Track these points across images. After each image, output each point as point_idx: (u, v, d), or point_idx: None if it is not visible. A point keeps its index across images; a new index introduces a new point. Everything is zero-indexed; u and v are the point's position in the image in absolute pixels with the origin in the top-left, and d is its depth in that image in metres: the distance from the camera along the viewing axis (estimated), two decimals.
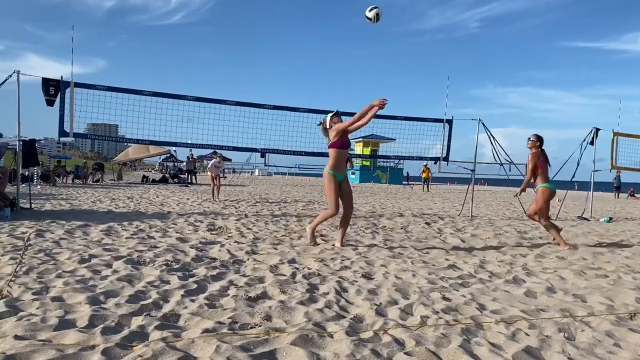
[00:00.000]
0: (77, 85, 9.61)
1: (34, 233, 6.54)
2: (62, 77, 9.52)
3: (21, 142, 9.45)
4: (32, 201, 11.28)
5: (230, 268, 4.91)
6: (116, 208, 10.84)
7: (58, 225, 7.42)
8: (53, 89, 9.44)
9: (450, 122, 12.11)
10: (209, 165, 16.21)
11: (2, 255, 5.00)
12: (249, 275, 4.59)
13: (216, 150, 16.69)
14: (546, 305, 3.93)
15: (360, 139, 47.47)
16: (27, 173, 19.74)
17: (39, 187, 17.32)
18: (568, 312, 3.74)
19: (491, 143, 12.25)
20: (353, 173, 45.00)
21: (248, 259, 5.37)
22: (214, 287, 4.14)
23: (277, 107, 10.97)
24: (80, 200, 12.60)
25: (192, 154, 28.94)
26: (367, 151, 51.65)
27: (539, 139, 7.18)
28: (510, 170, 12.53)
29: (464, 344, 2.98)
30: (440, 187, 40.31)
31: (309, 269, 5.00)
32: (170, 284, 4.18)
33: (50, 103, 9.50)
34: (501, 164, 12.52)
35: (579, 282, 4.85)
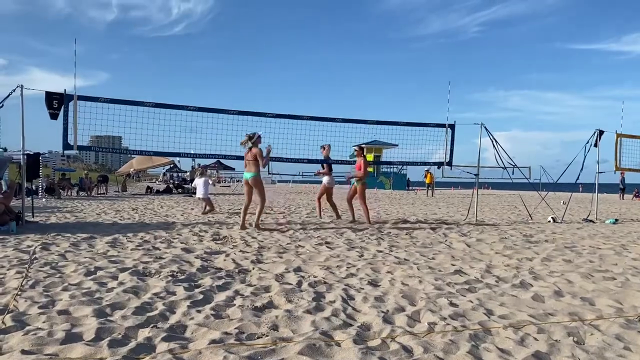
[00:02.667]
0: (80, 98, 9.66)
1: (40, 246, 6.56)
2: (65, 90, 9.56)
3: (25, 156, 9.48)
4: (37, 214, 11.30)
5: (236, 278, 4.90)
6: (121, 220, 10.85)
7: (63, 238, 7.44)
8: (56, 102, 9.49)
9: (452, 126, 12.08)
10: (199, 184, 13.56)
11: (8, 269, 5.01)
12: (254, 285, 4.58)
13: (200, 164, 15.89)
14: (554, 309, 3.91)
15: (364, 146, 47.53)
16: (32, 186, 19.85)
17: (44, 200, 17.37)
18: (576, 315, 3.72)
19: (494, 147, 12.22)
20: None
21: (253, 268, 5.37)
22: (220, 297, 4.13)
23: (280, 116, 11.00)
24: (85, 213, 12.63)
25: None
26: (370, 157, 51.65)
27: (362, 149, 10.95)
28: (513, 174, 12.52)
29: (472, 350, 2.96)
30: (444, 191, 40.25)
31: (314, 277, 4.99)
32: (176, 295, 4.17)
33: (54, 116, 9.53)
34: (504, 168, 12.51)
35: (586, 285, 4.83)
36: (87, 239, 7.44)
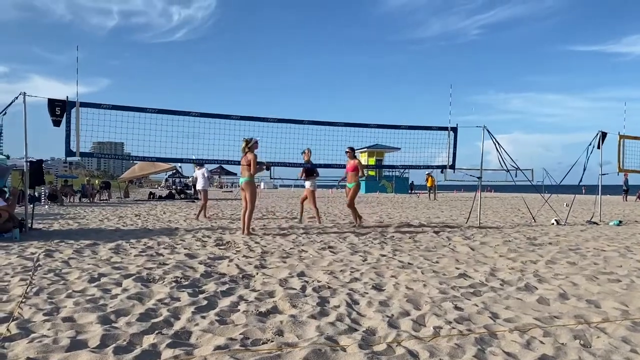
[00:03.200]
0: (83, 104, 9.69)
1: (43, 253, 6.56)
2: (67, 97, 9.58)
3: (28, 163, 9.50)
4: (40, 221, 11.32)
5: (240, 283, 4.90)
6: (124, 226, 10.86)
7: (67, 245, 7.44)
8: (59, 109, 9.52)
9: (455, 129, 12.09)
10: (199, 176, 13.88)
11: (12, 277, 5.01)
12: (258, 290, 4.58)
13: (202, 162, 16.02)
14: (560, 312, 3.89)
15: (365, 149, 47.59)
16: (35, 193, 19.86)
17: (46, 207, 17.40)
18: (582, 318, 3.70)
19: (497, 150, 12.22)
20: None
21: (257, 274, 5.36)
22: (225, 302, 4.12)
23: (281, 120, 11.01)
24: (87, 219, 12.65)
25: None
26: (372, 161, 51.56)
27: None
28: (516, 176, 12.49)
29: (478, 354, 2.95)
30: (447, 195, 40.18)
31: (318, 281, 4.98)
32: (180, 300, 4.16)
33: (56, 123, 9.55)
34: (507, 170, 12.49)
35: (591, 287, 4.81)
36: (90, 245, 7.45)
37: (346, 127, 11.52)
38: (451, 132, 12.05)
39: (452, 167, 12.11)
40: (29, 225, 9.58)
